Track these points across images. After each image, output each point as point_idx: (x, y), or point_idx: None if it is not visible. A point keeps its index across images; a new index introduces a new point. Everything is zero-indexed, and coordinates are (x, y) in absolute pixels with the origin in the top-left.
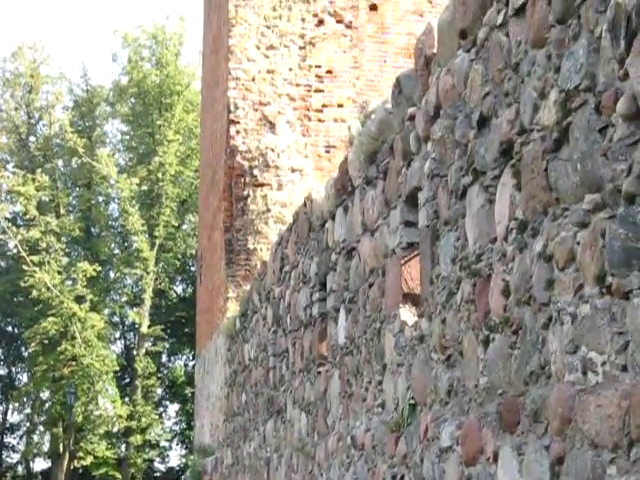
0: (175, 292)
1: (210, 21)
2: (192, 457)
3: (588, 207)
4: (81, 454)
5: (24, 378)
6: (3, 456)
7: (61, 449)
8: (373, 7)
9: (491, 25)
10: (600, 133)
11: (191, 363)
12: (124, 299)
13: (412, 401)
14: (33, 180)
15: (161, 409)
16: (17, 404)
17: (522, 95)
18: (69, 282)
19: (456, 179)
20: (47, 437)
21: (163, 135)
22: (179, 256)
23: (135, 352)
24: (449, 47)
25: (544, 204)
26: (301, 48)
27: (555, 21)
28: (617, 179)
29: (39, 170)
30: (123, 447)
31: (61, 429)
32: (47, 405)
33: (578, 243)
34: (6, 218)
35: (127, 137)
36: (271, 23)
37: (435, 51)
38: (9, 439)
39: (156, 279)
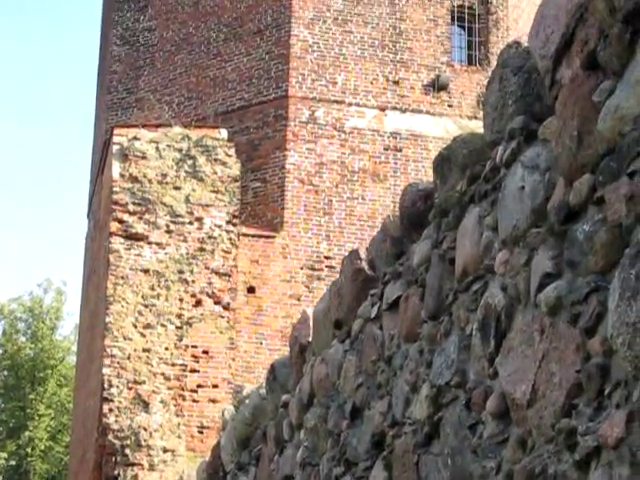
0: None
1: (88, 298)
2: None
3: None
4: None
5: None
6: None
7: None
8: (251, 289)
9: (365, 317)
10: (470, 430)
11: None
12: None
13: None
14: None
15: None
16: None
17: (394, 388)
18: None
19: (328, 469)
20: None
21: (34, 409)
22: None
23: None
24: (324, 336)
25: None
26: (178, 328)
27: (427, 317)
28: (486, 476)
29: None
30: None
31: None
32: None
33: None
34: None
35: None
36: (149, 302)
37: (310, 340)
38: None
39: None
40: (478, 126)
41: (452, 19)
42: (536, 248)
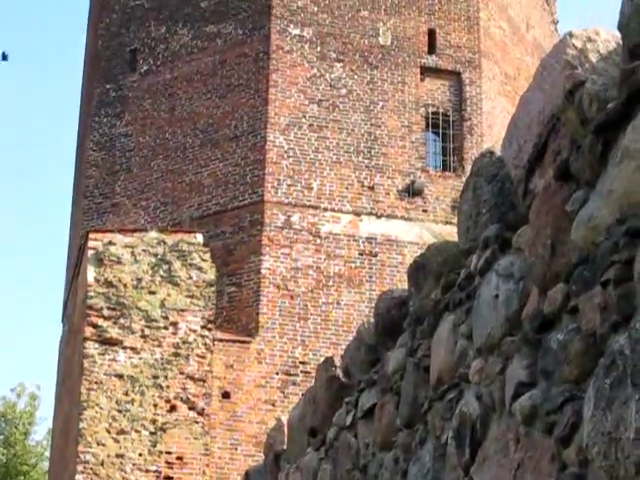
0: None
1: (62, 403)
2: None
3: None
4: None
5: None
6: None
7: None
8: (226, 395)
9: (340, 425)
10: None
11: None
12: None
13: None
14: None
15: None
16: None
17: None
18: None
19: None
20: None
21: None
22: None
23: None
24: (299, 444)
25: None
26: (152, 433)
27: (402, 425)
28: None
29: None
30: None
31: None
32: None
33: None
34: None
35: None
36: (123, 407)
37: (285, 447)
38: None
39: None
40: (453, 231)
41: (427, 125)
42: (510, 357)
